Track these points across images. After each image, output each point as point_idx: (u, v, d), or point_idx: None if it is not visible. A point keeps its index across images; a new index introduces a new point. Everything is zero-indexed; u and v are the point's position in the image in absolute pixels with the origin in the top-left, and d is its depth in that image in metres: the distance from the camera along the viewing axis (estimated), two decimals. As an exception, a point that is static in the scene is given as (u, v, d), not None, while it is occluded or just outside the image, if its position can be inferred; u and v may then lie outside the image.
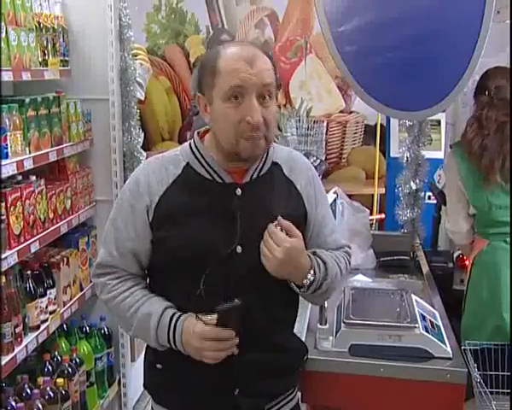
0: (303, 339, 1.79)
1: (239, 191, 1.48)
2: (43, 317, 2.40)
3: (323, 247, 1.60)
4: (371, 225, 3.70)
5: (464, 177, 2.42)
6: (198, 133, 1.55)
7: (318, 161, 2.90)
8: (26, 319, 2.31)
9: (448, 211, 2.60)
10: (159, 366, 1.55)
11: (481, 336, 2.21)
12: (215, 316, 1.36)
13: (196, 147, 1.51)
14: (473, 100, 2.48)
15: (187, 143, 1.55)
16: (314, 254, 1.52)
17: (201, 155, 1.50)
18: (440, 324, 1.93)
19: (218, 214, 1.46)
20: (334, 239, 1.65)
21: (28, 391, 2.23)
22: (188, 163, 1.50)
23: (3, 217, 2.13)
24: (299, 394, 1.73)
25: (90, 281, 2.81)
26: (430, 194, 3.06)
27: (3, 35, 2.15)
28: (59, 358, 2.53)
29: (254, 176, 1.51)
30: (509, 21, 2.82)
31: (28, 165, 2.29)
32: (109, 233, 1.54)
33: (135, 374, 3.10)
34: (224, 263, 1.44)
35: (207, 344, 1.38)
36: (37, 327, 2.37)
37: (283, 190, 1.55)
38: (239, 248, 1.45)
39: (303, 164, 1.62)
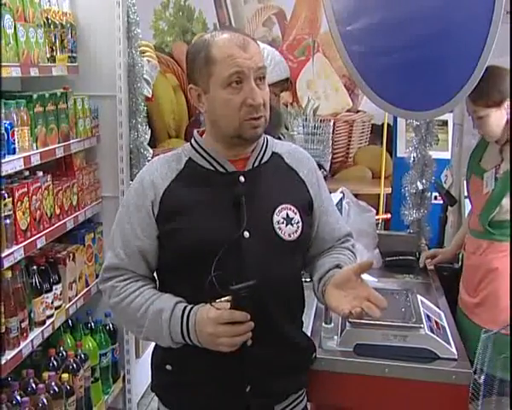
0: (308, 338, 1.79)
1: (242, 179, 1.50)
2: (48, 312, 2.42)
3: (330, 236, 1.64)
4: (377, 224, 3.69)
5: None
6: (198, 132, 1.58)
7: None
8: (32, 314, 2.32)
9: None
10: (168, 367, 1.53)
11: None
12: (229, 298, 1.35)
13: (197, 142, 1.54)
14: None
15: (188, 143, 1.58)
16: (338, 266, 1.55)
17: (202, 149, 1.52)
18: (446, 324, 1.93)
19: (223, 203, 1.47)
20: (339, 228, 1.67)
21: (33, 386, 2.25)
22: (190, 158, 1.53)
23: (10, 212, 2.14)
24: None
25: (96, 276, 2.82)
26: (436, 194, 3.05)
27: (12, 31, 2.16)
28: (64, 353, 2.55)
29: (256, 164, 1.53)
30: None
31: (35, 160, 2.30)
32: (116, 235, 1.53)
33: (139, 370, 3.10)
34: (233, 249, 1.43)
35: (222, 329, 1.36)
36: (43, 322, 2.38)
37: (286, 177, 1.57)
38: (246, 234, 1.45)
39: (304, 155, 1.65)
